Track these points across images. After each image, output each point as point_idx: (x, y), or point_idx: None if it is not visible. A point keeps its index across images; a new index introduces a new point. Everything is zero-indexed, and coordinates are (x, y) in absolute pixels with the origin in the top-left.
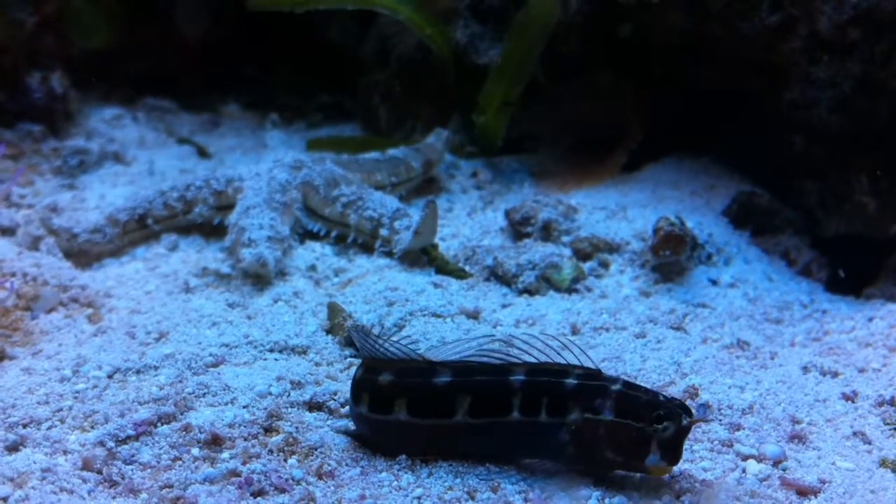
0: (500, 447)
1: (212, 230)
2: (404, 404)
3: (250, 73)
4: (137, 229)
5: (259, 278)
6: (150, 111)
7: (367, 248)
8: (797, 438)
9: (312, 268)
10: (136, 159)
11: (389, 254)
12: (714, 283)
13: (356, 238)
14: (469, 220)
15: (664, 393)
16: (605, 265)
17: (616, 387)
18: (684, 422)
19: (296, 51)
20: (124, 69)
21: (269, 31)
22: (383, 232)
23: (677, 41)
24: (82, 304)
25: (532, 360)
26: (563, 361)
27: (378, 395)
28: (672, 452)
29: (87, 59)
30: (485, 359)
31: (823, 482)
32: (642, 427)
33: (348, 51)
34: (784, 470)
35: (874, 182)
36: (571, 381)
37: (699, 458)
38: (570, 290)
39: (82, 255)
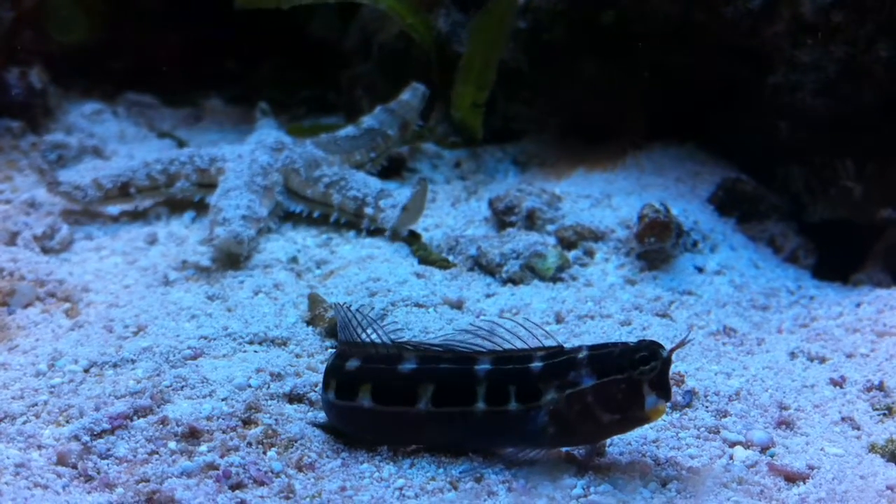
0: (468, 437)
1: (192, 222)
2: (368, 390)
3: (233, 66)
4: (119, 196)
5: (233, 257)
6: (131, 106)
7: (351, 228)
8: (785, 424)
9: (294, 259)
10: (116, 153)
11: (375, 232)
12: (700, 270)
13: (339, 218)
14: (453, 210)
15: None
16: (589, 253)
17: (583, 354)
18: (665, 353)
19: (279, 45)
20: (106, 65)
21: (251, 26)
22: (368, 210)
23: (660, 27)
24: (59, 299)
25: (508, 345)
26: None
27: (344, 381)
28: (664, 388)
29: (68, 55)
30: (467, 338)
31: (812, 468)
32: (628, 375)
33: (331, 44)
34: (772, 456)
35: (860, 167)
36: (537, 364)
37: (686, 446)
38: (555, 279)
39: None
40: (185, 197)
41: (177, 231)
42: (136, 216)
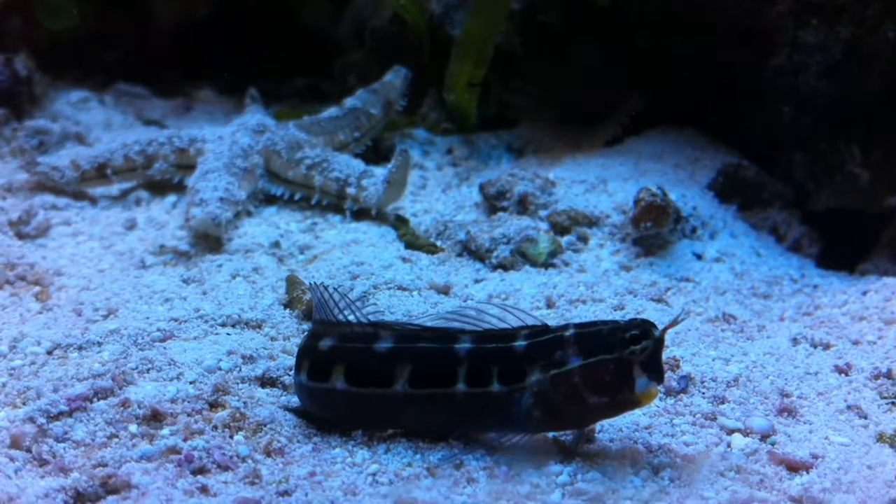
0: (448, 421)
1: (173, 207)
2: (342, 371)
3: (225, 56)
4: (96, 177)
5: (209, 239)
6: (121, 96)
7: (336, 212)
8: (786, 412)
9: (276, 244)
10: (99, 140)
11: (360, 214)
12: (698, 257)
13: (321, 200)
14: (443, 196)
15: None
16: (583, 239)
17: (569, 332)
18: (657, 333)
19: (272, 35)
20: (99, 56)
21: (245, 15)
22: (350, 191)
23: (659, 9)
24: (29, 283)
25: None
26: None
27: (317, 361)
28: (657, 370)
29: (61, 45)
30: (455, 323)
31: (816, 457)
32: (618, 356)
33: (324, 32)
34: (772, 444)
35: (866, 152)
36: (521, 343)
37: (680, 433)
38: (547, 265)
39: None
40: (164, 178)
41: (157, 216)
42: (116, 200)
